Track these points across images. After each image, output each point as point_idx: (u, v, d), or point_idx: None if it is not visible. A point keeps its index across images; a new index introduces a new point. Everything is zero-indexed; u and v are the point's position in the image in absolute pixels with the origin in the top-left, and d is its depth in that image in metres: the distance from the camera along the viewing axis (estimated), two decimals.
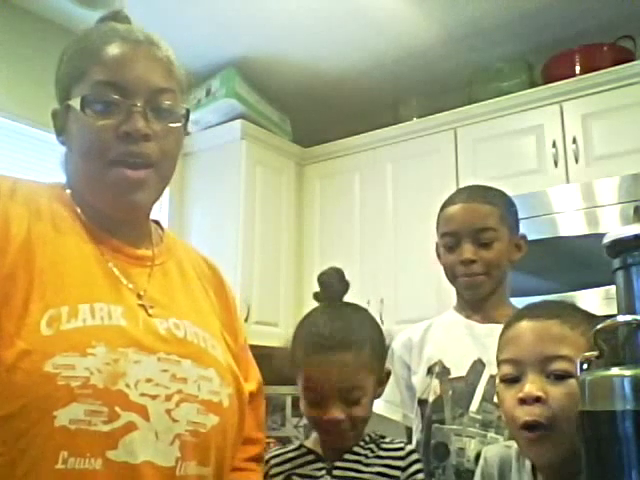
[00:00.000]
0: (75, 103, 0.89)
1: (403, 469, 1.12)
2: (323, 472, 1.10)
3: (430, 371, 1.38)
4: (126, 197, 0.90)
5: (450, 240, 1.37)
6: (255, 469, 1.07)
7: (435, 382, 1.35)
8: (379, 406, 1.48)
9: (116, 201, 0.91)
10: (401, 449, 1.14)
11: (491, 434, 1.25)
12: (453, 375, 1.34)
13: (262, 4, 2.69)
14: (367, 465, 1.11)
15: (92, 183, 0.91)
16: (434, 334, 1.44)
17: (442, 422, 1.31)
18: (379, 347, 1.15)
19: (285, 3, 2.69)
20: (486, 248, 1.33)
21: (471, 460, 1.24)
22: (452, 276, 1.39)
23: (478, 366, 1.32)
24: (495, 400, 1.18)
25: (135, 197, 0.90)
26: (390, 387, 1.46)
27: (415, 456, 1.14)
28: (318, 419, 1.10)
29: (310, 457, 1.13)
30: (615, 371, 0.63)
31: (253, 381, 1.08)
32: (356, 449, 1.13)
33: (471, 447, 1.25)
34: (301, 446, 1.16)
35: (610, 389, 0.62)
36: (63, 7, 2.66)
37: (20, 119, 2.60)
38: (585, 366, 0.68)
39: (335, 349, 1.07)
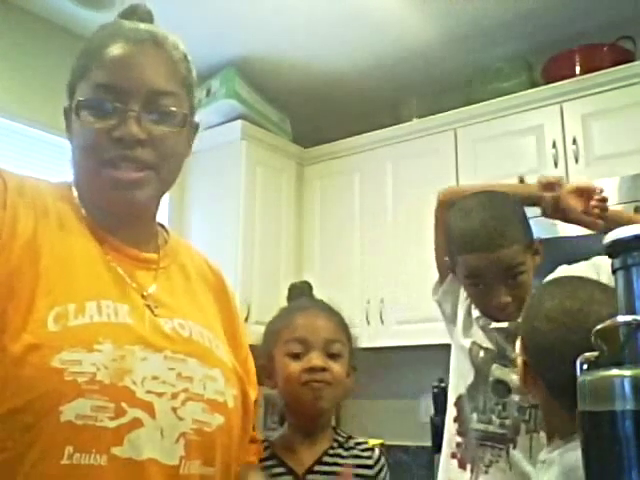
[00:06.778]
0: (74, 104, 0.90)
1: (373, 478, 1.16)
2: None
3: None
4: (121, 195, 0.90)
5: (475, 281, 1.32)
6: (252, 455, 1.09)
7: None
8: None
9: (112, 198, 0.91)
10: (369, 457, 1.17)
11: None
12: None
13: (262, 4, 2.69)
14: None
15: (89, 180, 0.92)
16: None
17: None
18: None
19: (285, 3, 2.69)
20: (518, 286, 1.28)
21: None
22: (480, 310, 1.38)
23: None
24: None
25: (130, 195, 0.90)
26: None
27: (382, 461, 1.19)
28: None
29: (280, 469, 1.13)
30: (615, 371, 0.63)
31: (255, 390, 1.08)
32: (325, 458, 1.14)
33: None
34: (274, 456, 1.16)
35: (610, 389, 0.62)
36: (63, 7, 2.66)
37: (20, 119, 2.60)
38: (585, 366, 0.68)
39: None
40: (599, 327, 0.67)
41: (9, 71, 2.60)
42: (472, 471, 1.34)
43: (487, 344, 1.38)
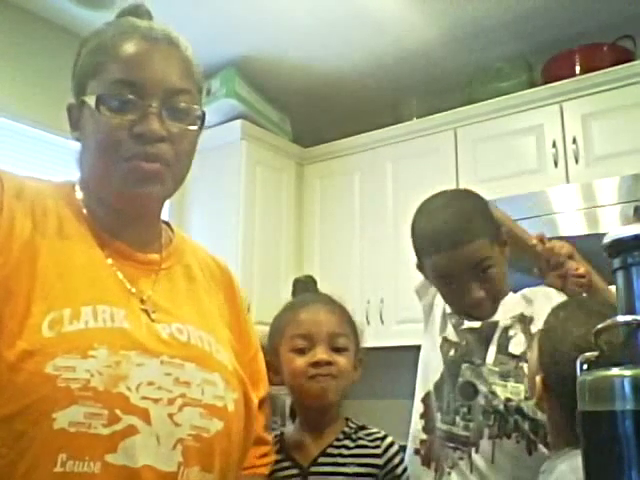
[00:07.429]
0: (90, 100, 0.88)
1: (382, 467, 1.14)
2: (298, 479, 1.11)
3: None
4: (138, 188, 0.89)
5: (447, 281, 1.30)
6: (263, 466, 1.08)
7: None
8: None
9: (128, 192, 0.89)
10: (377, 447, 1.16)
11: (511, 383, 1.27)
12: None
13: (262, 4, 2.69)
14: (343, 465, 1.11)
15: (105, 176, 0.90)
16: None
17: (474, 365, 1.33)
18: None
19: (285, 3, 2.69)
20: (489, 280, 1.27)
21: (501, 402, 1.26)
22: (455, 309, 1.36)
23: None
24: (510, 350, 1.26)
25: (147, 189, 0.89)
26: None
27: (394, 449, 1.17)
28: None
29: (286, 463, 1.14)
30: (615, 371, 0.62)
31: (264, 388, 1.08)
32: (330, 450, 1.14)
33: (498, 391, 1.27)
34: (282, 450, 1.16)
35: (610, 389, 0.62)
36: (63, 7, 2.66)
37: (20, 119, 2.60)
38: (585, 366, 0.68)
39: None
40: (599, 327, 0.67)
41: (9, 71, 2.60)
42: (436, 470, 1.32)
43: (458, 342, 1.37)
